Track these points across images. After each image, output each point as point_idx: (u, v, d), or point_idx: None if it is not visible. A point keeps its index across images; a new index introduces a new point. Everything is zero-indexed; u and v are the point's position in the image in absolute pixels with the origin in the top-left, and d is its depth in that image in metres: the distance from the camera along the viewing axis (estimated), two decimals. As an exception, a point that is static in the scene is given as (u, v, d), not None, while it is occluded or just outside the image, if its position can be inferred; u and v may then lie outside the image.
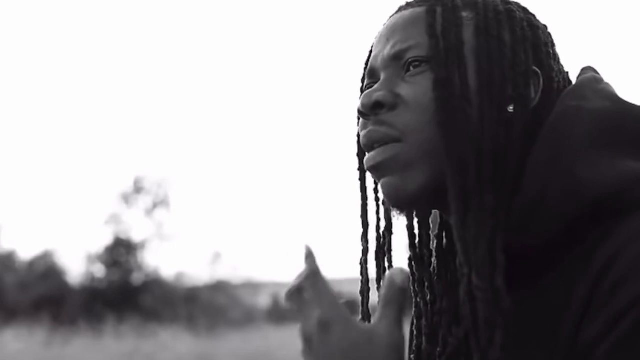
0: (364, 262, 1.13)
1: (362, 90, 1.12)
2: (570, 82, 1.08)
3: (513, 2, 1.07)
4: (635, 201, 0.93)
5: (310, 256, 0.96)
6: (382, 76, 1.04)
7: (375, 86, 1.04)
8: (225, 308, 23.61)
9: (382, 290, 0.92)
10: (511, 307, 0.94)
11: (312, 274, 0.94)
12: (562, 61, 1.09)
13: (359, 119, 1.09)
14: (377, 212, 1.14)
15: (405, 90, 1.01)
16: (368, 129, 1.03)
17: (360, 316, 1.13)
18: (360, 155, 1.12)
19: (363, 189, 1.13)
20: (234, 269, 25.47)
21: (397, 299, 0.91)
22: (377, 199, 1.13)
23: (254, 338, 16.41)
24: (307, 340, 0.92)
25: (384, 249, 1.13)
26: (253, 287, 25.74)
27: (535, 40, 1.04)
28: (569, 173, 0.94)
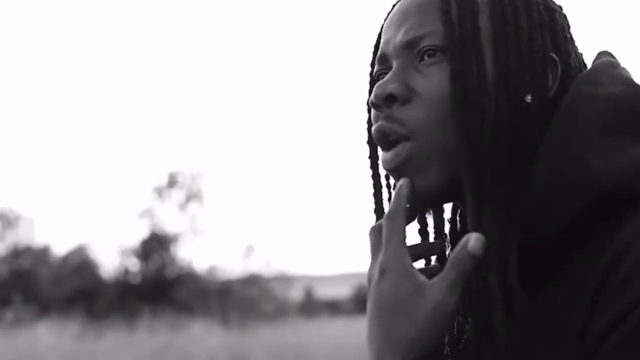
0: None
1: (371, 76, 1.09)
2: (584, 65, 1.04)
3: None
4: None
5: (399, 192, 0.96)
6: (395, 64, 1.01)
7: (388, 76, 1.00)
8: (257, 301, 23.71)
9: (454, 251, 0.91)
10: (523, 306, 0.92)
11: (391, 215, 0.95)
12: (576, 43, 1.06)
13: (369, 107, 1.07)
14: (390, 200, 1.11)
15: (419, 82, 0.98)
16: (379, 123, 1.00)
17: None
18: (371, 142, 1.10)
19: (375, 175, 1.10)
20: (267, 262, 25.52)
21: (464, 262, 0.89)
22: (388, 186, 1.11)
23: (286, 331, 16.45)
24: (369, 282, 0.95)
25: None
26: (285, 280, 25.83)
27: (553, 24, 1.00)
28: (580, 160, 0.91)
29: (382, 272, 0.93)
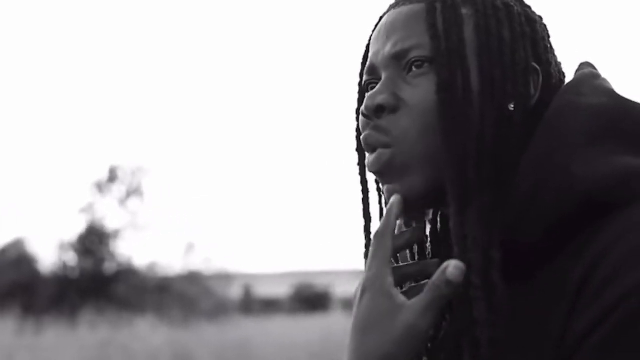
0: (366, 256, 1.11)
1: (360, 86, 1.13)
2: (564, 74, 1.08)
3: None
4: (628, 196, 0.92)
5: (390, 210, 0.99)
6: (383, 75, 1.04)
7: (378, 87, 1.03)
8: (197, 299, 23.57)
9: (433, 275, 0.94)
10: (507, 305, 0.95)
11: (379, 234, 0.98)
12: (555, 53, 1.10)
13: (358, 115, 1.11)
14: (380, 203, 1.14)
15: (407, 93, 1.01)
16: (367, 132, 1.04)
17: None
18: (360, 149, 1.13)
19: (363, 182, 1.14)
20: (207, 260, 25.34)
21: (441, 288, 0.93)
22: (378, 190, 1.14)
23: (226, 329, 16.42)
24: (354, 299, 0.99)
25: None
26: (225, 278, 25.70)
27: (534, 35, 1.04)
28: (563, 169, 0.94)
29: (363, 290, 0.97)
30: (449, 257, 1.06)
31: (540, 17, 1.08)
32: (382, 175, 1.03)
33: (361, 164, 1.13)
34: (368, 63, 1.08)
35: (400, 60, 1.03)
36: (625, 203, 0.92)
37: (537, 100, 1.02)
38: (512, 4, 1.04)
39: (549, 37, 1.07)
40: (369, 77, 1.08)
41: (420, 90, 1.00)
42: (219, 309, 23.11)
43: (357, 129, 1.12)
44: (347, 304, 27.58)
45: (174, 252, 31.50)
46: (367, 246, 1.12)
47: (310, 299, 29.14)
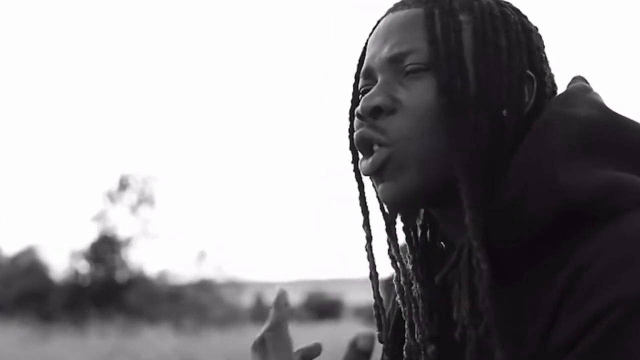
0: (369, 249, 1.13)
1: (355, 87, 1.13)
2: (556, 85, 1.10)
3: (506, 3, 1.09)
4: (611, 209, 0.94)
5: (279, 302, 0.99)
6: (380, 78, 1.06)
7: (374, 89, 1.05)
8: (208, 307, 23.59)
9: (345, 351, 0.92)
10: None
11: (276, 325, 0.98)
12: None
13: (352, 117, 1.11)
14: (378, 198, 1.13)
15: (404, 95, 1.03)
16: (361, 129, 1.05)
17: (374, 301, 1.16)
18: (353, 148, 1.13)
19: (358, 178, 1.14)
20: (218, 268, 25.36)
21: None
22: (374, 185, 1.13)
23: (237, 337, 16.42)
24: None
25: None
26: (237, 286, 25.74)
27: (530, 44, 1.06)
28: (548, 178, 0.96)
29: None
30: (438, 261, 1.11)
31: (536, 27, 1.09)
32: (377, 175, 1.04)
33: (355, 160, 1.13)
34: (364, 66, 1.09)
35: (396, 64, 1.04)
36: (607, 215, 0.94)
37: (530, 108, 1.04)
38: (509, 12, 1.06)
39: (543, 47, 1.09)
40: (365, 79, 1.09)
41: (416, 93, 1.02)
42: (230, 317, 23.12)
43: (351, 129, 1.12)
44: (358, 313, 27.56)
45: (186, 260, 31.47)
46: (368, 239, 1.13)
47: (321, 307, 29.13)
